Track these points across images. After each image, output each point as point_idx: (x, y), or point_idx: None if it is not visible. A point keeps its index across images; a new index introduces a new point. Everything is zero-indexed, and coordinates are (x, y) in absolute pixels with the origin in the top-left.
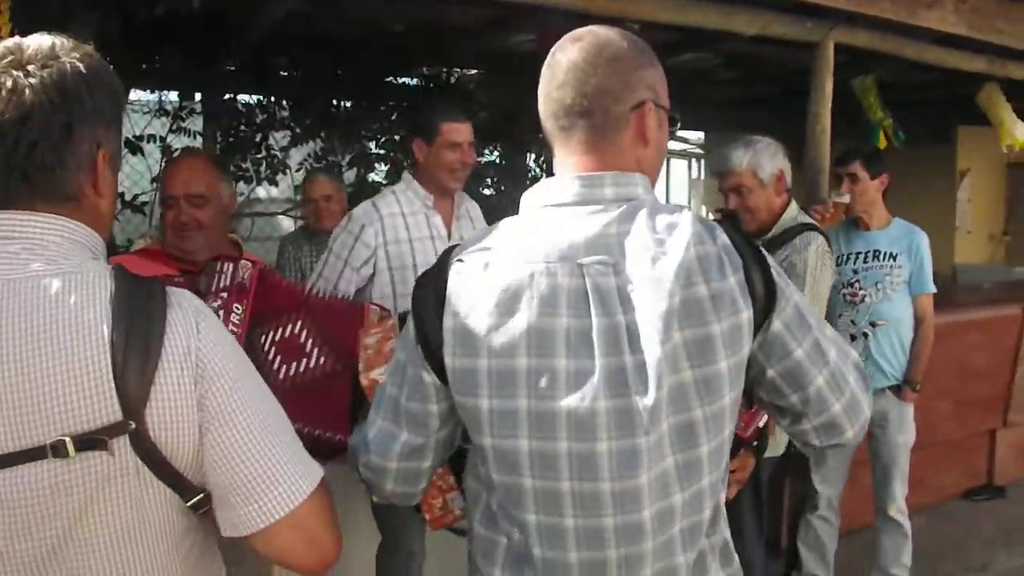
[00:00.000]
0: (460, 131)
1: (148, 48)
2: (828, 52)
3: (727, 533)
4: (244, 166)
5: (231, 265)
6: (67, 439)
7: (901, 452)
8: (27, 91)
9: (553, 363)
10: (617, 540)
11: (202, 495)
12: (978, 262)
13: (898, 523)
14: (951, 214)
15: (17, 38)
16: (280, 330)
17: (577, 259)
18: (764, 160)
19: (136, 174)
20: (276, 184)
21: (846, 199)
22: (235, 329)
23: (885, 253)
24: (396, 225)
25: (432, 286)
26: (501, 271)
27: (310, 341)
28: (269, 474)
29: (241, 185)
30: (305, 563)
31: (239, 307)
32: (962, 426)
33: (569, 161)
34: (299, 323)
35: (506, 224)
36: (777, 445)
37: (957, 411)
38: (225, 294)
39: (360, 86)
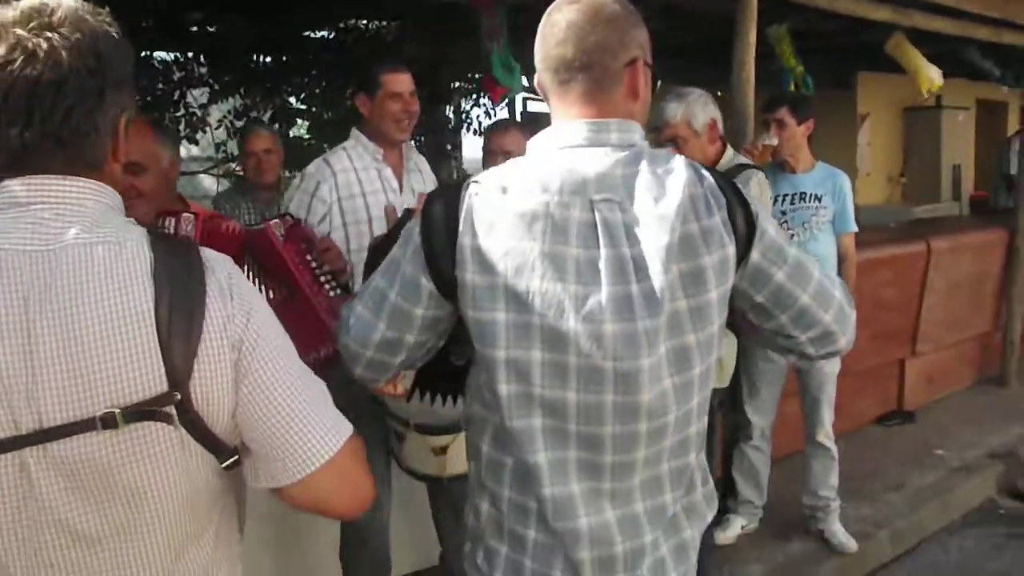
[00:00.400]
0: (401, 80)
1: None
2: (752, 3)
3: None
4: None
5: (173, 220)
6: (116, 411)
7: (829, 381)
8: (64, 54)
9: (563, 287)
10: (614, 447)
11: (236, 456)
12: (878, 203)
13: (826, 448)
14: (852, 157)
15: None
16: None
17: (588, 195)
18: (697, 110)
19: None
20: (196, 142)
21: (774, 141)
22: None
23: (811, 195)
24: (349, 180)
25: (445, 201)
26: (519, 198)
27: (257, 280)
28: (307, 424)
29: None
30: (344, 507)
31: None
32: (875, 356)
33: (569, 112)
34: (246, 268)
35: (520, 160)
36: (724, 377)
37: (871, 343)
38: None
39: (279, 41)
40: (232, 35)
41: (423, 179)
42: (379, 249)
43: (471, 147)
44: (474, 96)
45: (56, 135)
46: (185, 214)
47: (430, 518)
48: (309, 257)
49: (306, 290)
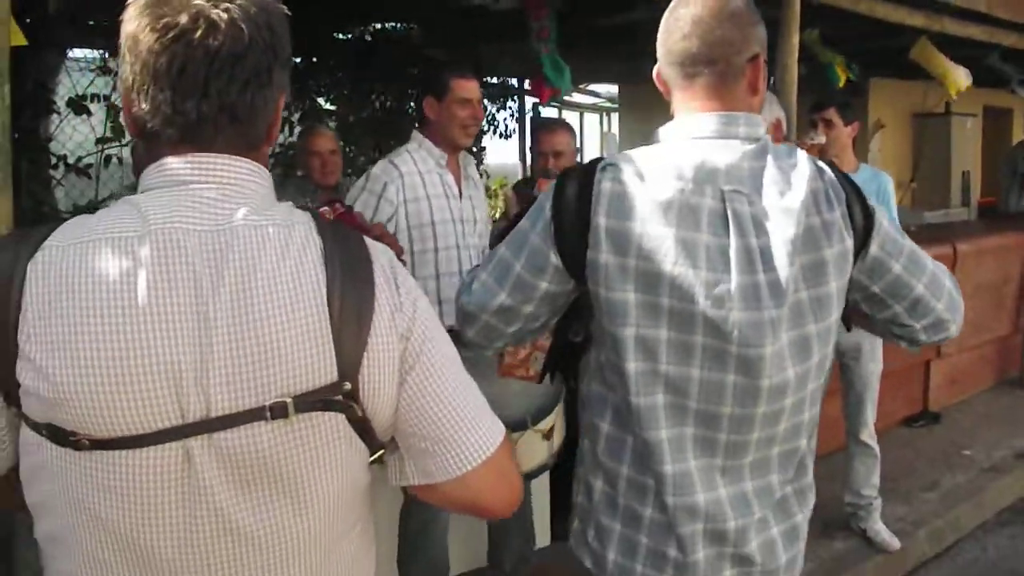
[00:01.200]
0: (469, 87)
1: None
2: (795, 7)
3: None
4: None
5: None
6: (288, 400)
7: (873, 379)
8: (243, 26)
9: (694, 273)
10: (730, 427)
11: (382, 451)
12: None
13: (869, 447)
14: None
15: None
16: None
17: (719, 185)
18: (763, 110)
19: (80, 135)
20: None
21: (822, 139)
22: None
23: None
24: (415, 183)
25: (579, 182)
26: (654, 185)
27: None
28: (472, 419)
29: None
30: (499, 504)
31: None
32: (903, 358)
33: (692, 105)
34: None
35: (652, 149)
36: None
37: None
38: None
39: (309, 42)
40: None
41: (476, 185)
42: (505, 234)
43: (495, 150)
44: (500, 99)
45: (232, 109)
46: None
47: (473, 518)
48: None
49: None
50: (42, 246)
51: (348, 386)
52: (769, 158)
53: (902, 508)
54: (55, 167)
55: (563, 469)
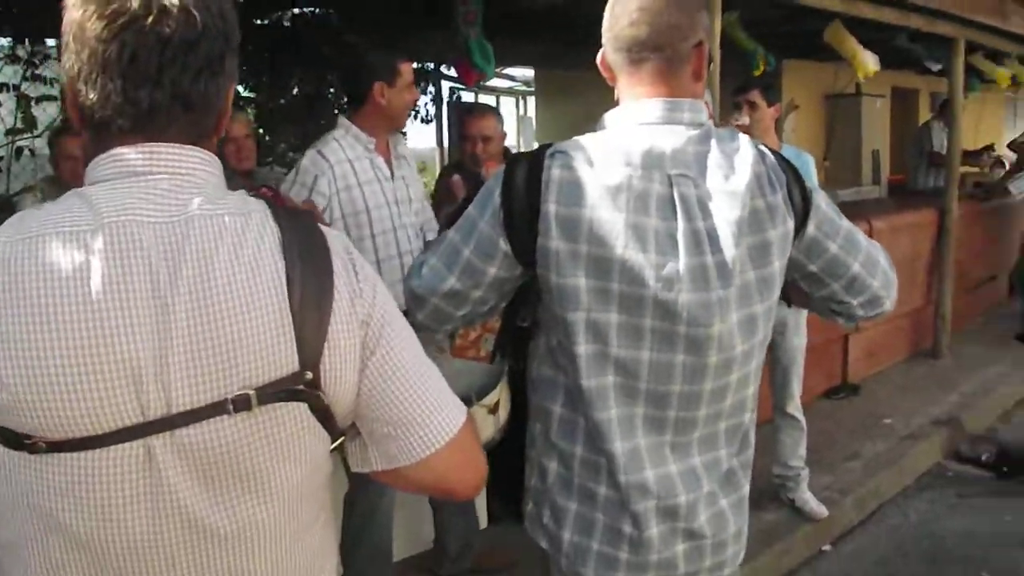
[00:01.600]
0: (411, 71)
1: None
2: None
3: None
4: None
5: None
6: (251, 392)
7: (798, 353)
8: (197, 13)
9: (644, 257)
10: (679, 404)
11: (342, 438)
12: None
13: (796, 419)
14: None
15: None
16: None
17: (665, 170)
18: None
19: None
20: None
21: (746, 121)
22: None
23: None
24: (345, 172)
25: (528, 170)
26: (604, 170)
27: None
28: (431, 402)
29: None
30: (465, 485)
31: None
32: (824, 333)
33: (638, 91)
34: None
35: (599, 135)
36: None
37: (818, 319)
38: None
39: None
40: None
41: (409, 164)
42: (454, 218)
43: (415, 135)
44: (420, 84)
45: (185, 97)
46: None
47: (418, 502)
48: None
49: None
50: None
51: (310, 375)
52: (713, 142)
53: (827, 477)
54: None
55: (500, 453)
